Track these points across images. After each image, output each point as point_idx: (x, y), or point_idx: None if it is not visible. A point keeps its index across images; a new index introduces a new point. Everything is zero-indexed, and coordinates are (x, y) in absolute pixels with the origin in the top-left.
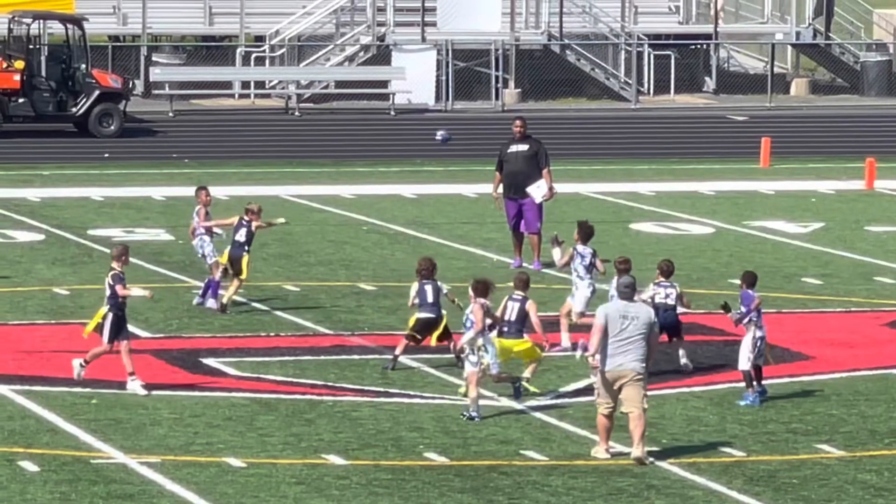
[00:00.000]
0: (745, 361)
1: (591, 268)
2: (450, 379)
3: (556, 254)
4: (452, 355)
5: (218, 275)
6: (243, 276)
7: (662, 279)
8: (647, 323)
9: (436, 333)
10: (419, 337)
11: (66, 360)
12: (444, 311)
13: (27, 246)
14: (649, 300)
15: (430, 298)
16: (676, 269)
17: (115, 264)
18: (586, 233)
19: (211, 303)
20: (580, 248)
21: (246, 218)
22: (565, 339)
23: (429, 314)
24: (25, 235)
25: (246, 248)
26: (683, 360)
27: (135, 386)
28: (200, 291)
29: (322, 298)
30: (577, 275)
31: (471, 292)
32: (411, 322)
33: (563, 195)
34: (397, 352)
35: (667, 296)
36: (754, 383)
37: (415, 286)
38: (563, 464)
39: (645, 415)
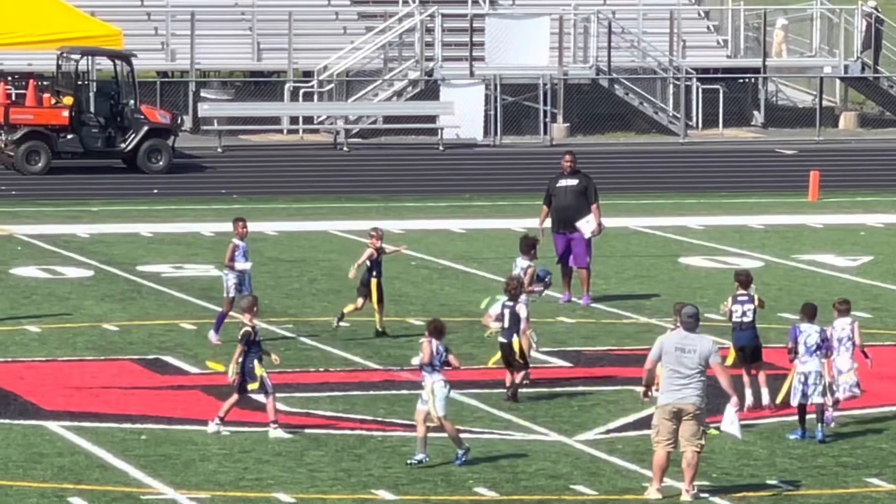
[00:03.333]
0: (794, 396)
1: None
2: (499, 413)
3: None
4: (505, 391)
5: (227, 308)
6: (373, 301)
7: (741, 291)
8: (705, 356)
9: (495, 357)
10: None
11: (115, 396)
12: (516, 337)
13: (76, 282)
14: (725, 316)
15: (506, 322)
16: (722, 303)
17: (245, 317)
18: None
19: (212, 335)
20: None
21: (370, 243)
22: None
23: (503, 339)
24: (75, 272)
25: (373, 273)
26: (766, 401)
27: (278, 433)
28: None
29: (371, 333)
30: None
31: (426, 332)
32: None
33: (611, 230)
34: (508, 382)
35: (743, 313)
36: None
37: (497, 306)
38: (613, 498)
39: (700, 454)
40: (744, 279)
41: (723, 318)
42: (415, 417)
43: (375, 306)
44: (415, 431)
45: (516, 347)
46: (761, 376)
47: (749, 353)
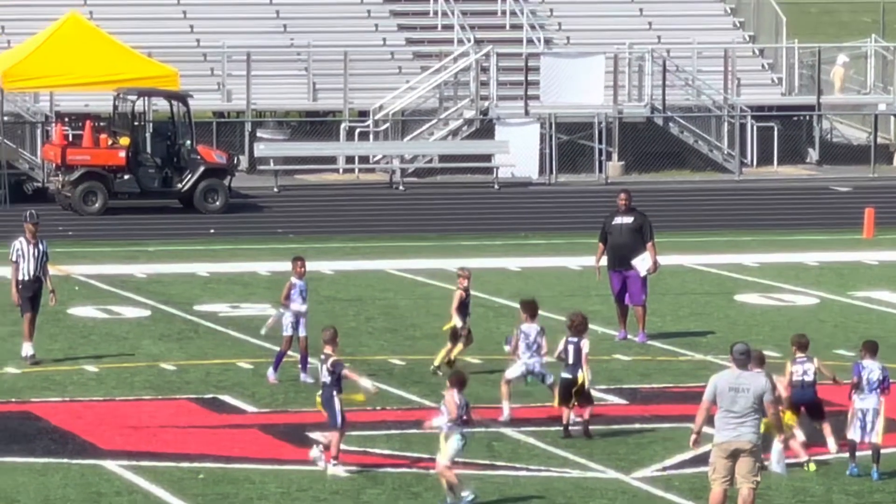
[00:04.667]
0: (850, 431)
1: (534, 345)
2: (556, 451)
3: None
4: (561, 429)
5: (286, 347)
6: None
7: (800, 354)
8: (758, 395)
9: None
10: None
11: (172, 435)
12: (581, 372)
13: (134, 322)
14: (788, 380)
15: (570, 359)
16: (781, 341)
17: (327, 349)
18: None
19: (270, 374)
20: (525, 326)
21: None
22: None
23: (567, 375)
24: (132, 311)
25: (464, 312)
26: (832, 446)
27: (337, 470)
28: (300, 366)
29: (427, 372)
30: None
31: (447, 383)
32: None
33: (667, 267)
34: (565, 419)
35: (804, 372)
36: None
37: (562, 342)
38: None
39: (756, 490)
40: (802, 342)
41: (778, 355)
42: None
43: (448, 342)
44: (465, 468)
45: (582, 382)
46: (826, 428)
47: (811, 410)
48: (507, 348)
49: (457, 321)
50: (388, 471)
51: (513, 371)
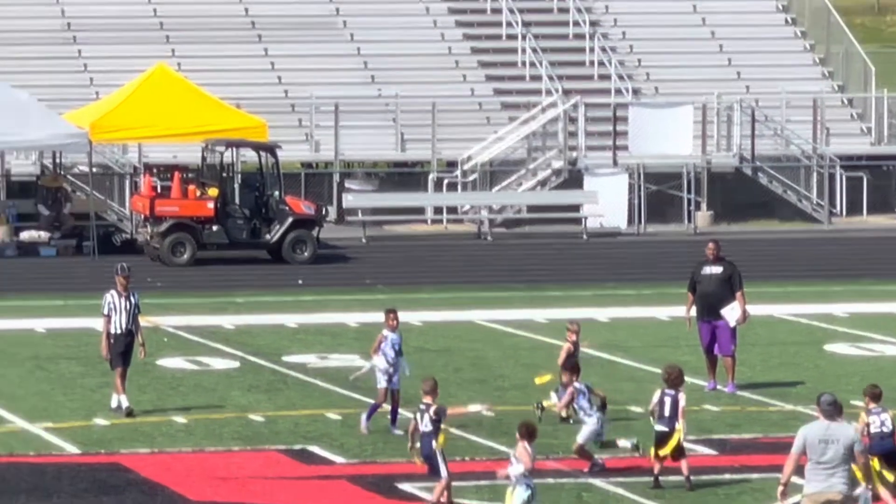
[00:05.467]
0: None
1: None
2: (646, 502)
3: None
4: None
5: (381, 399)
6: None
7: (873, 405)
8: (848, 445)
9: (667, 449)
10: (661, 454)
11: (261, 486)
12: (678, 425)
13: (222, 373)
14: (864, 430)
15: (666, 411)
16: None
17: (427, 399)
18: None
19: (363, 422)
20: (578, 384)
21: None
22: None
23: (662, 427)
24: (220, 363)
25: (572, 366)
26: None
27: None
28: (390, 418)
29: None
30: (583, 413)
31: (517, 434)
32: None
33: (756, 317)
34: (657, 469)
35: (882, 423)
36: None
37: (657, 394)
38: None
39: None
40: (875, 393)
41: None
42: None
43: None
44: None
45: (679, 435)
46: None
47: (889, 461)
48: (554, 400)
49: (564, 377)
50: None
51: (587, 435)
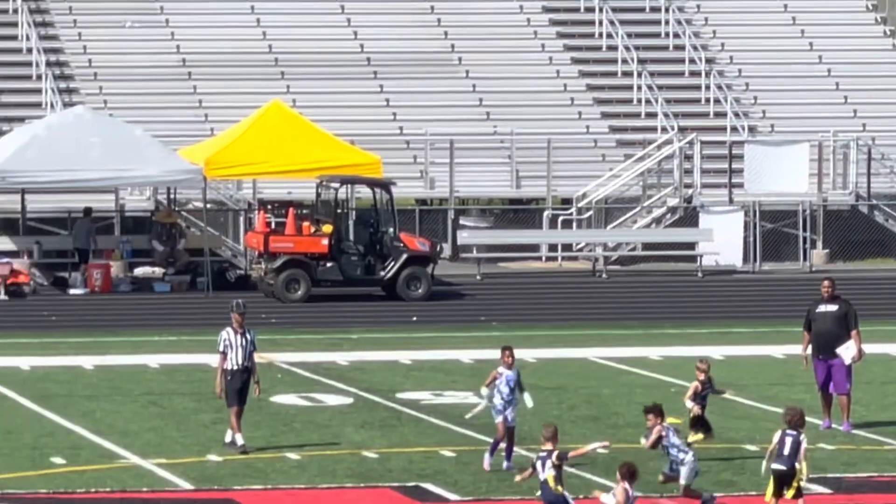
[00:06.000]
0: None
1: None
2: None
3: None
4: None
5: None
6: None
7: None
8: None
9: (791, 491)
10: (782, 494)
11: None
12: (798, 465)
13: (336, 409)
14: None
15: (786, 450)
16: None
17: (548, 445)
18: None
19: (486, 460)
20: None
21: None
22: None
23: (780, 466)
24: (334, 399)
25: (696, 401)
26: None
27: None
28: (505, 455)
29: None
30: (676, 450)
31: (618, 474)
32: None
33: (872, 356)
34: None
35: None
36: None
37: (777, 435)
38: None
39: None
40: None
41: None
42: None
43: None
44: None
45: (802, 475)
46: None
47: None
48: (643, 441)
49: (695, 409)
50: None
51: (687, 475)
